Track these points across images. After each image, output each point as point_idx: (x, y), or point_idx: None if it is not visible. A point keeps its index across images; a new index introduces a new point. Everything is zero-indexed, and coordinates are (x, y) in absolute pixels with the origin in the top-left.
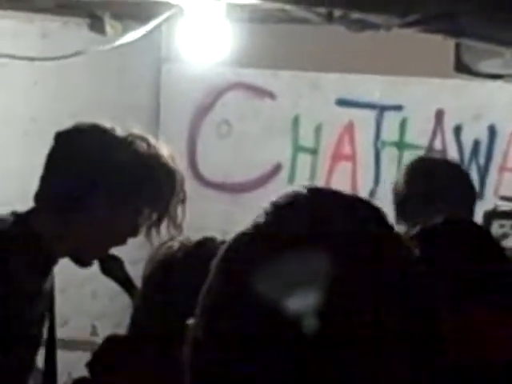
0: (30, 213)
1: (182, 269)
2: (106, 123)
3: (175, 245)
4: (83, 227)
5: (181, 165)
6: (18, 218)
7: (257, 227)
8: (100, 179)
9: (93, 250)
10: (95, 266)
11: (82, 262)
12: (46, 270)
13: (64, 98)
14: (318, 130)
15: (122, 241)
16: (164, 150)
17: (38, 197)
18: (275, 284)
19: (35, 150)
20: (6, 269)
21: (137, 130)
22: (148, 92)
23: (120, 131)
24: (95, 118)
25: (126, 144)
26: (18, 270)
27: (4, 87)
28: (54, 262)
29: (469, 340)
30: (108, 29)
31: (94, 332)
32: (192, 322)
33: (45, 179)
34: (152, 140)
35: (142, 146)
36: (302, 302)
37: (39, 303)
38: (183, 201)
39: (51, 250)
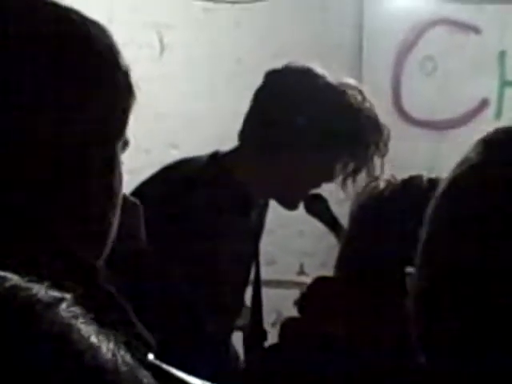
0: (230, 152)
1: (389, 207)
2: (318, 68)
3: (381, 184)
4: (285, 169)
5: (385, 103)
6: (214, 157)
7: (470, 166)
8: (305, 123)
9: (293, 192)
10: (301, 207)
11: (286, 203)
12: (243, 210)
13: (267, 39)
14: None
15: (317, 185)
16: (373, 103)
17: (242, 135)
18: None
19: (241, 91)
20: (195, 207)
21: (351, 81)
22: (351, 30)
23: (331, 78)
24: (299, 57)
25: (337, 91)
26: (208, 209)
27: (209, 30)
28: (250, 202)
29: None
30: None
31: (301, 271)
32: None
33: (249, 118)
34: (364, 91)
35: (353, 96)
36: None
37: (241, 243)
38: (383, 156)
39: (247, 191)
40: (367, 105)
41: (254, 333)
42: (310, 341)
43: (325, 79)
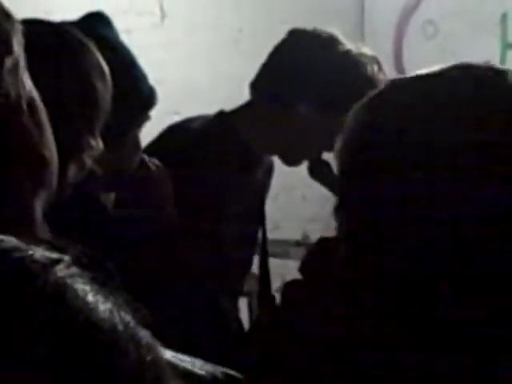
0: (236, 110)
1: None
2: (342, 37)
3: None
4: (291, 127)
5: (387, 67)
6: (220, 114)
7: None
8: (322, 84)
9: (300, 151)
10: (305, 171)
11: (290, 161)
12: (247, 167)
13: (271, 6)
14: None
15: (327, 147)
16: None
17: (253, 90)
18: None
19: (243, 58)
20: (200, 160)
21: (369, 52)
22: None
23: (354, 48)
24: (301, 23)
25: (355, 59)
26: (213, 164)
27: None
28: (254, 159)
29: None
30: None
31: (304, 236)
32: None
33: (265, 68)
34: (381, 64)
35: (369, 66)
36: None
37: (246, 201)
38: None
39: (251, 148)
40: (382, 76)
41: (263, 299)
42: (311, 302)
43: (344, 46)
